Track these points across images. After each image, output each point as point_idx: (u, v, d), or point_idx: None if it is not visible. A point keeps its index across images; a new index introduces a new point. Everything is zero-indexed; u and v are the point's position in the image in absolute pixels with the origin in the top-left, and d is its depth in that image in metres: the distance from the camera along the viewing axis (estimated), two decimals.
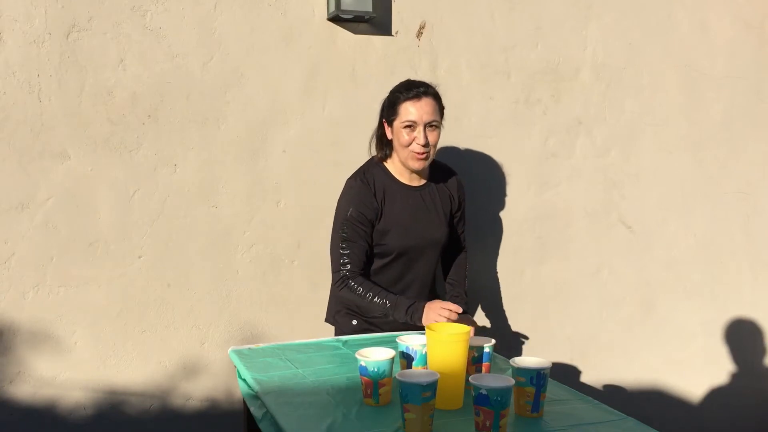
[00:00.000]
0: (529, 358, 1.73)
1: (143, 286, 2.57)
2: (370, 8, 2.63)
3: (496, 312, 3.05)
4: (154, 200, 2.57)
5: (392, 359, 1.74)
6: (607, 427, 1.63)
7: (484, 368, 1.86)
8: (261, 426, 1.78)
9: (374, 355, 1.74)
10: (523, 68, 2.99)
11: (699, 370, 3.39)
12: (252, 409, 1.87)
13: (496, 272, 3.04)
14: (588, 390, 3.13)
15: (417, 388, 1.52)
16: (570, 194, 3.11)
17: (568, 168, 3.10)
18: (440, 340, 1.72)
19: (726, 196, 3.37)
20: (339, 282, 2.31)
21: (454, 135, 2.82)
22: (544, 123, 3.04)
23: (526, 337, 3.05)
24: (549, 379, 1.72)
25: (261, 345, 2.25)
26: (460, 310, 2.14)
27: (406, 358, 1.84)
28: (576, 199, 3.12)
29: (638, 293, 3.27)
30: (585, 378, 3.19)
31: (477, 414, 1.53)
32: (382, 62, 2.79)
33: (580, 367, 3.19)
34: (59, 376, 2.50)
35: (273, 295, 2.72)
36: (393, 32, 2.80)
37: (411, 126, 2.27)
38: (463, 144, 2.91)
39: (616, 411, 1.72)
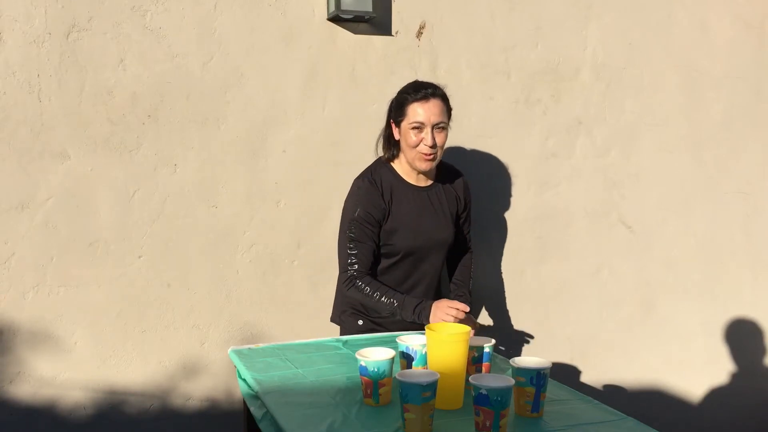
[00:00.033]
0: (529, 358, 1.73)
1: (143, 286, 2.57)
2: (370, 8, 2.64)
3: (497, 311, 3.05)
4: (154, 200, 2.57)
5: (392, 359, 1.74)
6: (607, 427, 1.63)
7: (484, 368, 1.86)
8: (261, 426, 1.78)
9: (374, 355, 1.74)
10: (523, 68, 2.99)
11: (699, 370, 3.39)
12: (252, 409, 1.87)
13: (497, 272, 3.04)
14: (588, 390, 3.13)
15: (417, 388, 1.52)
16: (570, 194, 3.11)
17: (568, 168, 3.10)
18: (440, 340, 1.72)
19: (726, 196, 3.37)
20: (347, 282, 2.31)
21: (454, 135, 2.81)
22: (544, 123, 3.04)
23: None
24: (549, 379, 1.72)
25: (261, 345, 2.25)
26: (468, 309, 2.15)
27: (406, 358, 1.84)
28: (576, 199, 3.12)
29: (638, 293, 3.27)
30: (585, 378, 3.19)
31: (477, 414, 1.53)
32: (382, 62, 2.79)
33: (580, 367, 3.19)
34: (59, 376, 2.50)
35: (273, 295, 2.72)
36: (393, 32, 2.80)
37: (419, 127, 2.28)
38: (463, 144, 2.91)
39: (616, 411, 1.72)
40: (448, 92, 2.38)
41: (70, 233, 2.48)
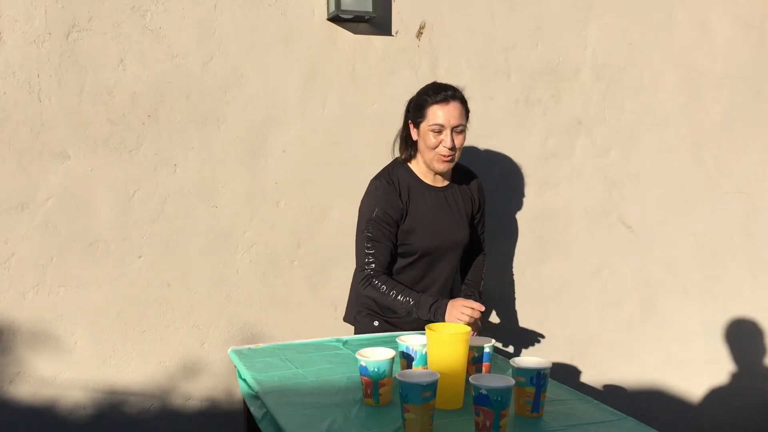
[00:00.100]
0: (529, 358, 1.73)
1: (143, 286, 2.57)
2: (370, 8, 2.64)
3: (498, 311, 3.05)
4: (154, 200, 2.57)
5: (392, 359, 1.74)
6: (607, 427, 1.63)
7: (484, 368, 1.86)
8: (261, 426, 1.78)
9: (374, 355, 1.74)
10: (523, 68, 2.99)
11: (699, 370, 3.39)
12: (252, 409, 1.87)
13: (498, 272, 3.04)
14: (588, 390, 3.13)
15: (417, 388, 1.52)
16: (570, 194, 3.11)
17: (568, 168, 3.10)
18: (440, 340, 1.72)
19: (726, 196, 3.37)
20: (363, 280, 2.32)
21: None
22: (544, 123, 3.04)
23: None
24: (549, 379, 1.72)
25: (261, 345, 2.25)
26: (483, 309, 2.16)
27: (406, 358, 1.84)
28: (576, 199, 3.12)
29: (638, 293, 3.27)
30: (585, 378, 3.20)
31: (477, 414, 1.53)
32: (382, 62, 2.79)
33: (580, 367, 3.19)
34: (59, 376, 2.50)
35: (273, 295, 2.72)
36: (393, 32, 2.80)
37: (438, 130, 2.29)
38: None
39: (616, 411, 1.72)
40: None
41: (70, 233, 2.48)
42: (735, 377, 3.44)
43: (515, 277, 3.07)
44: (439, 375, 1.59)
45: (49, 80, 2.43)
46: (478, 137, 2.94)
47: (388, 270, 2.34)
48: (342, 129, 2.76)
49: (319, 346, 2.22)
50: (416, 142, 2.38)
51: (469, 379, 1.57)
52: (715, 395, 3.42)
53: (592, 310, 3.20)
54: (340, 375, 1.94)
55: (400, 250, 2.38)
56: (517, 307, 3.08)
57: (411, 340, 1.86)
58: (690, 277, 3.34)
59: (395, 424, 1.60)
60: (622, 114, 3.16)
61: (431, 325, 1.79)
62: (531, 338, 3.07)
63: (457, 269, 2.54)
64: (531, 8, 2.98)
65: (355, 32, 2.74)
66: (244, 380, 1.99)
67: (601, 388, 3.21)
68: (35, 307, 2.46)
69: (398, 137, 2.49)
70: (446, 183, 2.46)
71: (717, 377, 3.43)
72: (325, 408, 1.71)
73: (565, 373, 3.13)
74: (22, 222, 2.43)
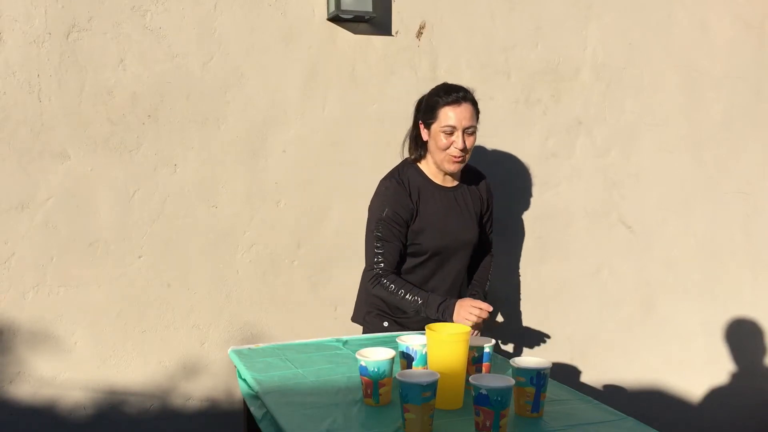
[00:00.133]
0: (529, 358, 1.73)
1: (143, 286, 2.57)
2: (370, 8, 2.64)
3: (502, 311, 3.05)
4: (154, 200, 2.57)
5: (392, 359, 1.74)
6: (607, 427, 1.63)
7: (484, 368, 1.86)
8: (261, 426, 1.78)
9: (374, 355, 1.74)
10: (523, 68, 2.99)
11: (699, 370, 3.39)
12: (252, 409, 1.87)
13: (498, 271, 3.03)
14: (588, 390, 3.13)
15: (417, 388, 1.52)
16: (570, 194, 3.11)
17: (568, 168, 3.10)
18: (440, 340, 1.72)
19: (726, 196, 3.37)
20: (372, 279, 2.33)
21: None
22: (544, 123, 3.04)
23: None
24: (549, 379, 1.72)
25: (261, 345, 2.25)
26: (491, 309, 2.17)
27: (406, 358, 1.84)
28: (576, 199, 3.12)
29: (638, 293, 3.27)
30: (585, 378, 3.20)
31: (477, 414, 1.53)
32: (382, 62, 2.79)
33: (580, 367, 3.19)
34: (59, 376, 2.50)
35: (273, 295, 2.72)
36: (393, 32, 2.80)
37: (450, 131, 2.30)
38: None
39: (616, 411, 1.72)
40: None
41: (70, 233, 2.48)
42: (735, 377, 3.44)
43: (515, 277, 3.07)
44: (439, 375, 1.58)
45: (49, 80, 2.43)
46: (478, 137, 2.93)
47: (396, 269, 2.35)
48: (342, 129, 2.76)
49: (319, 346, 2.22)
50: (426, 142, 2.38)
51: (469, 379, 1.57)
52: (715, 395, 3.42)
53: (592, 310, 3.20)
54: (340, 375, 1.94)
55: (410, 250, 2.38)
56: (518, 307, 3.08)
57: (411, 340, 1.86)
58: (690, 277, 3.34)
59: (395, 424, 1.60)
60: (622, 114, 3.16)
61: (431, 325, 1.79)
62: (535, 338, 3.07)
63: (466, 269, 2.54)
64: (531, 8, 2.98)
65: (355, 32, 2.74)
66: (244, 380, 1.99)
67: (601, 388, 3.22)
68: (35, 307, 2.46)
69: (407, 137, 2.49)
70: (456, 183, 2.47)
71: (717, 377, 3.43)
72: (325, 408, 1.71)
73: (565, 373, 3.13)
74: (22, 222, 2.43)
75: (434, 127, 2.33)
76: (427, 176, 2.42)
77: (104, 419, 2.56)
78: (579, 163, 3.11)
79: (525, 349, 3.07)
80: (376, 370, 1.71)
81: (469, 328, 1.79)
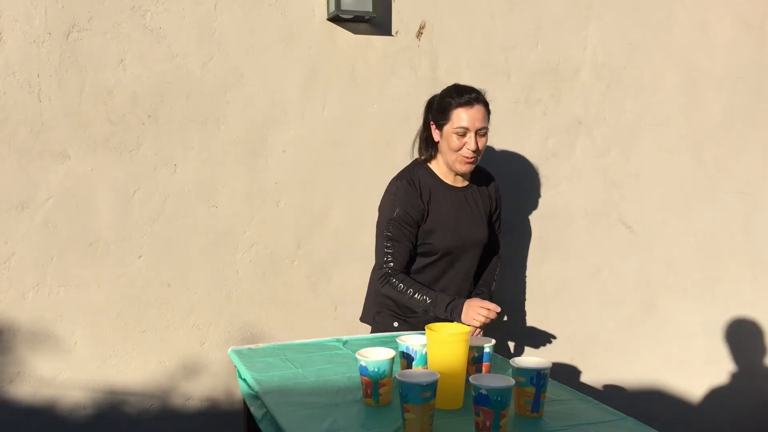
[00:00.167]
0: (529, 358, 1.73)
1: (143, 286, 2.57)
2: (370, 8, 2.64)
3: (507, 311, 3.05)
4: (154, 200, 2.57)
5: (392, 359, 1.74)
6: (607, 427, 1.63)
7: (484, 368, 1.86)
8: (261, 426, 1.78)
9: (374, 355, 1.74)
10: (523, 68, 2.99)
11: (699, 370, 3.39)
12: (252, 409, 1.87)
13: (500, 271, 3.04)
14: (588, 390, 3.13)
15: (417, 388, 1.52)
16: (570, 194, 3.11)
17: (568, 168, 3.10)
18: (440, 340, 1.72)
19: (726, 196, 3.37)
20: (381, 278, 2.33)
21: None
22: (544, 123, 3.04)
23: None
24: (549, 379, 1.72)
25: (261, 345, 2.25)
26: (498, 310, 2.17)
27: (406, 358, 1.84)
28: (576, 199, 3.12)
29: (638, 293, 3.27)
30: (585, 378, 3.19)
31: (477, 414, 1.53)
32: (382, 62, 2.79)
33: (580, 367, 3.19)
34: (59, 376, 2.50)
35: (273, 295, 2.72)
36: (393, 32, 2.80)
37: (463, 133, 2.30)
38: None
39: (616, 411, 1.72)
40: None
41: (70, 233, 2.48)
42: (735, 377, 3.44)
43: (515, 277, 3.07)
44: (439, 375, 1.58)
45: (49, 80, 2.43)
46: None
47: (406, 269, 2.35)
48: (342, 129, 2.76)
49: (319, 346, 2.22)
50: (437, 143, 2.39)
51: (469, 379, 1.57)
52: (715, 395, 3.42)
53: (592, 310, 3.20)
54: (340, 375, 1.94)
55: (420, 250, 2.39)
56: (518, 307, 3.08)
57: (411, 340, 1.86)
58: (690, 277, 3.34)
59: (395, 424, 1.60)
60: (622, 114, 3.16)
61: (431, 325, 1.79)
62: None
63: (475, 269, 2.52)
64: (531, 8, 2.98)
65: (355, 32, 2.74)
66: (244, 380, 1.99)
67: (601, 388, 3.21)
68: (35, 307, 2.46)
69: (417, 138, 2.49)
70: (466, 183, 2.47)
71: (717, 377, 3.43)
72: (325, 408, 1.71)
73: (565, 373, 3.13)
74: (22, 222, 2.43)
75: (446, 128, 2.33)
76: (438, 176, 2.42)
77: (104, 419, 2.56)
78: (579, 163, 3.11)
79: (527, 349, 3.07)
80: (376, 370, 1.70)
81: (469, 328, 1.79)
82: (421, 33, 2.84)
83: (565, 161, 3.09)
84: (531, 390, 1.66)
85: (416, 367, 1.83)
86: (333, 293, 2.78)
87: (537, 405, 1.66)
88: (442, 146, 2.36)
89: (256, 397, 1.86)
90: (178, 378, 2.64)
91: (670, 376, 3.33)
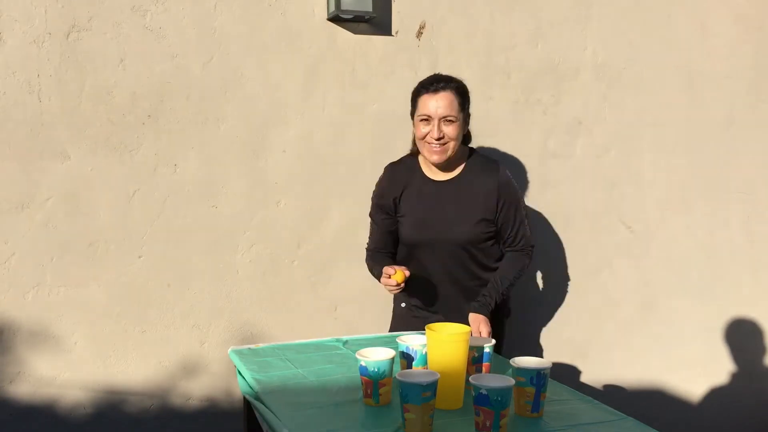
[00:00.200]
0: (529, 358, 1.73)
1: (143, 286, 2.57)
2: (370, 8, 2.64)
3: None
4: (154, 200, 2.56)
5: (392, 359, 1.74)
6: (607, 427, 1.63)
7: (484, 368, 1.86)
8: (262, 425, 1.78)
9: (374, 355, 1.74)
10: (523, 68, 2.99)
11: (699, 370, 3.39)
12: (252, 409, 1.87)
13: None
14: (588, 390, 3.12)
15: (417, 388, 1.52)
16: (570, 194, 3.11)
17: (568, 168, 3.10)
18: (440, 340, 1.72)
19: (726, 196, 3.37)
20: (366, 255, 2.49)
21: None
22: (544, 123, 3.04)
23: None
24: (549, 379, 1.72)
25: (261, 345, 2.25)
26: (397, 278, 2.17)
27: (406, 358, 1.84)
28: (576, 199, 3.12)
29: (638, 293, 3.26)
30: (585, 378, 3.19)
31: (477, 414, 1.53)
32: (382, 62, 2.79)
33: (580, 367, 3.19)
34: (59, 376, 2.50)
35: (273, 295, 2.72)
36: (393, 32, 2.80)
37: (426, 119, 2.28)
38: None
39: (616, 411, 1.72)
40: None
41: (70, 233, 2.48)
42: (735, 377, 3.44)
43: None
44: (439, 375, 1.58)
45: (49, 80, 2.43)
46: (478, 137, 2.92)
47: (385, 249, 2.46)
48: (342, 129, 2.76)
49: (319, 346, 2.22)
50: None
51: (469, 379, 1.57)
52: (715, 395, 3.42)
53: (592, 310, 3.20)
54: (340, 375, 1.94)
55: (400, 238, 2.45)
56: (518, 307, 3.08)
57: (411, 340, 1.86)
58: (690, 277, 3.34)
59: (395, 424, 1.60)
60: (622, 114, 3.16)
61: (431, 325, 1.79)
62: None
63: (466, 267, 2.39)
64: (531, 8, 2.98)
65: (355, 32, 2.74)
66: (244, 380, 1.99)
67: (601, 388, 3.21)
68: (35, 307, 2.46)
69: None
70: (452, 176, 2.37)
71: (717, 377, 3.43)
72: (325, 408, 1.71)
73: (565, 373, 3.13)
74: (22, 222, 2.43)
75: (415, 116, 2.33)
76: (419, 168, 2.41)
77: (104, 419, 2.55)
78: (579, 163, 3.11)
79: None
80: (376, 370, 1.71)
81: (469, 328, 1.79)
82: (421, 33, 2.84)
83: (565, 161, 3.09)
84: (531, 390, 1.66)
85: (416, 367, 1.83)
86: (333, 293, 2.78)
87: (537, 405, 1.66)
88: (415, 135, 2.35)
89: (256, 397, 1.86)
90: (178, 378, 2.64)
91: (670, 376, 3.33)
